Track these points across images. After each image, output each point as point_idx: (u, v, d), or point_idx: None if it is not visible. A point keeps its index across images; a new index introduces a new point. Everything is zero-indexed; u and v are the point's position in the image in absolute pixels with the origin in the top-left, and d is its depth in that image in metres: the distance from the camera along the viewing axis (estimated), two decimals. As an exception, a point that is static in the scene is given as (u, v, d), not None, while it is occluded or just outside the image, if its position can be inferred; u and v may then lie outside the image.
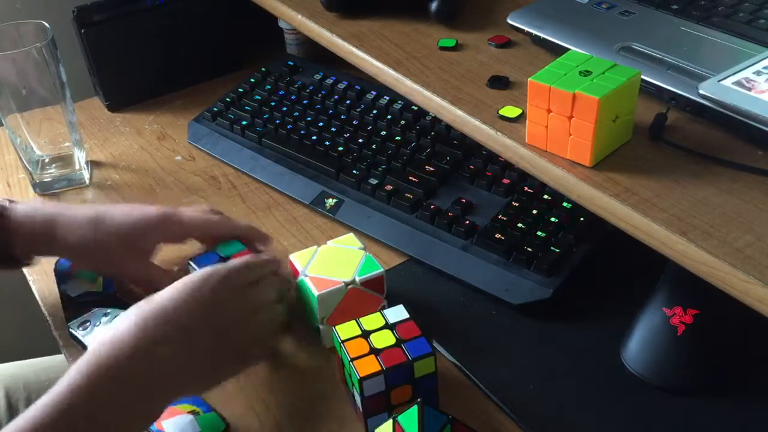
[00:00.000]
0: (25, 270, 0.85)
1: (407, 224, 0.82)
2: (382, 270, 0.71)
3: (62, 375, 0.55)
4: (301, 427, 0.66)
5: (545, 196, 0.81)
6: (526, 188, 0.82)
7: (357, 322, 0.66)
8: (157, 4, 1.07)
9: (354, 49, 0.70)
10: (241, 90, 1.05)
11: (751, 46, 0.58)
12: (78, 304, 0.76)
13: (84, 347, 0.72)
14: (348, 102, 0.98)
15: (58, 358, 0.96)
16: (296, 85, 1.04)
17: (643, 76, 0.54)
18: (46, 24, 0.89)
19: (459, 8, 0.73)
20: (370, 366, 0.62)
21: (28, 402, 0.83)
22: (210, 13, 1.12)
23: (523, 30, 0.66)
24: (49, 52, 0.87)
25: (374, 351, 0.63)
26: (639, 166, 0.52)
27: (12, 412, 0.90)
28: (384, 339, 0.64)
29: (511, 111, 0.58)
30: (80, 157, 0.96)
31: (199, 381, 0.62)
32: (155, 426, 0.64)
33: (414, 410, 0.57)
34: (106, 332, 0.58)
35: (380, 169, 0.88)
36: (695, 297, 0.66)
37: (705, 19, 0.63)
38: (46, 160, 0.96)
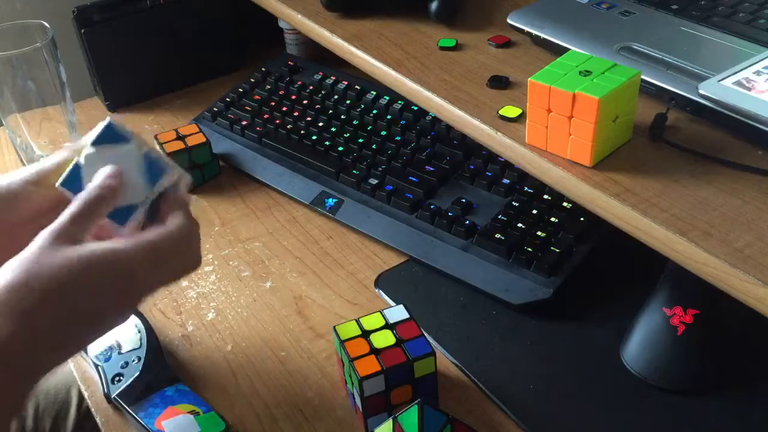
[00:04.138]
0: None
1: (407, 224, 0.82)
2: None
3: (64, 377, 0.52)
4: (301, 427, 0.66)
5: (545, 196, 0.81)
6: (526, 188, 0.82)
7: (357, 322, 0.66)
8: (157, 4, 1.07)
9: (354, 49, 0.70)
10: (241, 90, 1.05)
11: (751, 46, 0.58)
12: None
13: (86, 351, 0.72)
14: (348, 102, 0.98)
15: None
16: (296, 85, 1.03)
17: (643, 76, 0.54)
18: (46, 24, 0.89)
19: (459, 8, 0.73)
20: (370, 366, 0.62)
21: (34, 403, 0.83)
22: (210, 13, 1.12)
23: (523, 30, 0.66)
24: (49, 52, 0.87)
25: (374, 351, 0.63)
26: (639, 166, 0.52)
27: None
28: (384, 339, 0.64)
29: (511, 111, 0.58)
30: (80, 157, 0.96)
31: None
32: (155, 426, 0.64)
33: (414, 410, 0.57)
34: None
35: (380, 169, 0.88)
36: (695, 297, 0.66)
37: (705, 19, 0.63)
38: (46, 160, 0.96)
